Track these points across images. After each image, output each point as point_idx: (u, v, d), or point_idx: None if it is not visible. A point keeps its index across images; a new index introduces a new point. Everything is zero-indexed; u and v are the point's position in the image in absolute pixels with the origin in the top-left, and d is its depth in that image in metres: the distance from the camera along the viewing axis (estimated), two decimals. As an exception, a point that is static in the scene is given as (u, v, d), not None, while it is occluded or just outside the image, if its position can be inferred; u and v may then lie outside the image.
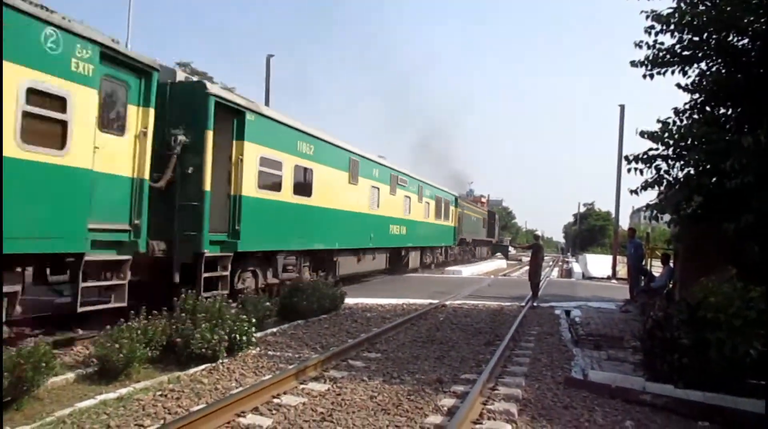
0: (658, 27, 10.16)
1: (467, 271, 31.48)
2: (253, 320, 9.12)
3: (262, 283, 13.29)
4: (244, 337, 8.68)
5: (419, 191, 26.96)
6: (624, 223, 54.60)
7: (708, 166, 9.53)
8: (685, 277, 11.13)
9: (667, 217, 11.59)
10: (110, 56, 8.62)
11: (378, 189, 21.17)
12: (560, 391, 7.60)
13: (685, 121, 10.62)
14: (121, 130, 9.09)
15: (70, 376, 7.04)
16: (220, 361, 8.18)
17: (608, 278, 29.64)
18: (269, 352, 9.07)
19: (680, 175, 10.30)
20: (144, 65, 9.37)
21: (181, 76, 11.43)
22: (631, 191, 10.37)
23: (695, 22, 9.72)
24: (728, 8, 9.28)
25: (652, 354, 8.00)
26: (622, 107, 29.89)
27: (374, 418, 6.19)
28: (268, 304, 11.04)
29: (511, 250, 67.25)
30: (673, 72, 10.51)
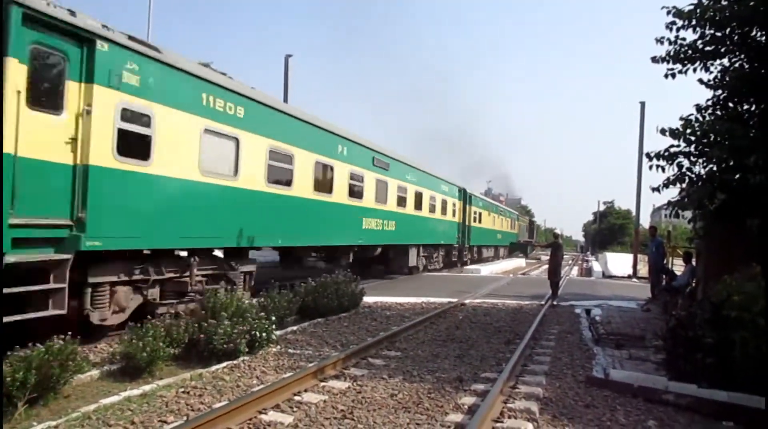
0: (679, 23, 10.06)
1: (486, 269, 31.35)
2: (273, 318, 9.20)
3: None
4: (265, 335, 8.75)
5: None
6: (645, 222, 54.14)
7: (731, 163, 9.41)
8: (708, 275, 10.99)
9: (688, 214, 11.46)
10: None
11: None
12: (581, 390, 7.56)
13: (707, 118, 10.50)
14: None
15: (95, 373, 7.14)
16: (242, 358, 8.26)
17: (629, 277, 29.38)
18: (290, 350, 9.13)
19: (703, 172, 10.19)
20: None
21: None
22: (653, 189, 10.28)
23: (717, 18, 9.61)
24: (751, 3, 9.16)
25: (674, 353, 7.91)
26: (643, 104, 29.57)
27: (395, 416, 6.20)
28: (287, 303, 11.10)
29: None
30: (695, 69, 10.40)
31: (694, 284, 13.72)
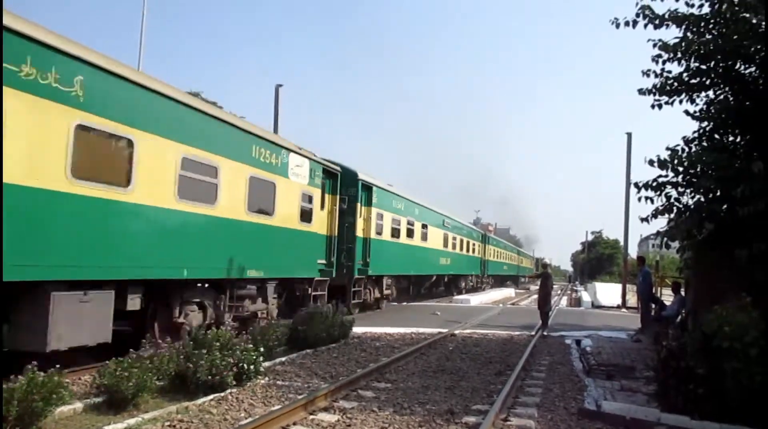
0: (665, 56, 10.22)
1: (475, 299, 31.26)
2: (261, 349, 9.06)
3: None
4: (252, 367, 8.60)
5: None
6: (632, 252, 54.30)
7: (719, 193, 9.49)
8: (698, 305, 10.99)
9: (677, 244, 11.50)
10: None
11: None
12: (573, 422, 7.48)
13: (694, 149, 10.61)
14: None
15: (79, 405, 6.96)
16: (229, 390, 8.10)
17: (618, 307, 29.35)
18: (278, 382, 8.99)
19: (691, 202, 10.25)
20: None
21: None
22: (642, 219, 10.32)
23: (702, 51, 9.78)
24: (735, 36, 9.35)
25: (666, 384, 7.86)
26: (629, 135, 29.89)
27: (385, 450, 6.09)
28: (276, 333, 10.97)
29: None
30: (681, 101, 10.55)
31: (684, 314, 13.72)
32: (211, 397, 7.80)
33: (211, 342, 8.53)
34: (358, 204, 18.67)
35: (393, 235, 22.33)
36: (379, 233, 20.58)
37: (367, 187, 19.52)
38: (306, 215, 14.88)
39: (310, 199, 15.08)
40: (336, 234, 16.85)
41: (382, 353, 12.02)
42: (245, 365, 8.45)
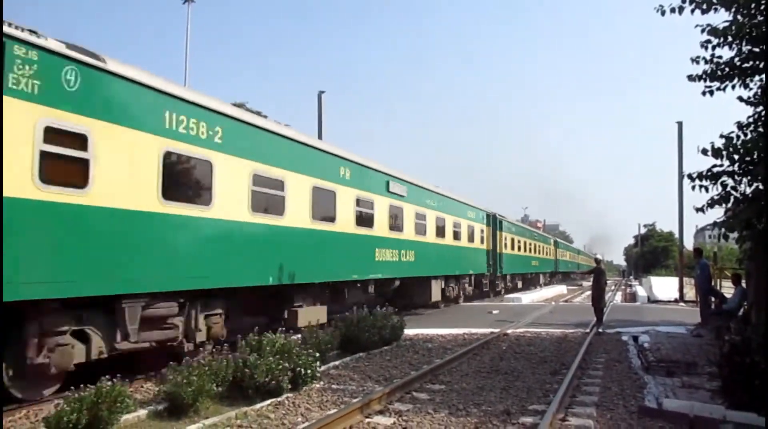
0: (714, 41, 9.90)
1: (527, 298, 30.89)
2: (317, 354, 9.18)
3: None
4: (309, 371, 8.72)
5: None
6: (688, 243, 52.67)
7: (778, 181, 9.13)
8: (760, 297, 10.61)
9: (735, 235, 11.11)
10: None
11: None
12: (634, 421, 7.31)
13: (749, 135, 10.23)
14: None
15: (142, 413, 7.21)
16: (286, 395, 8.24)
17: (675, 301, 28.52)
18: (333, 386, 9.08)
19: (748, 190, 9.88)
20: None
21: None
22: (697, 209, 9.99)
23: (754, 33, 9.44)
24: (789, 16, 9.00)
25: (730, 380, 7.61)
26: (680, 124, 29.08)
27: (442, 452, 6.08)
28: (328, 337, 11.10)
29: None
30: (733, 86, 10.19)
31: (745, 307, 13.25)
32: (268, 402, 7.95)
33: (265, 347, 8.70)
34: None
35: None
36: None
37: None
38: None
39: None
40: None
41: (435, 355, 12.00)
42: (301, 369, 8.58)
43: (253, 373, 8.07)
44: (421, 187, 20.57)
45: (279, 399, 8.09)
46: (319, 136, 24.84)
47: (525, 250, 39.88)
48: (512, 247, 35.07)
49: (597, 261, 18.58)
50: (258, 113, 11.99)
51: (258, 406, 7.77)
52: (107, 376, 6.66)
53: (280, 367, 8.23)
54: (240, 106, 11.95)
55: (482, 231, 28.94)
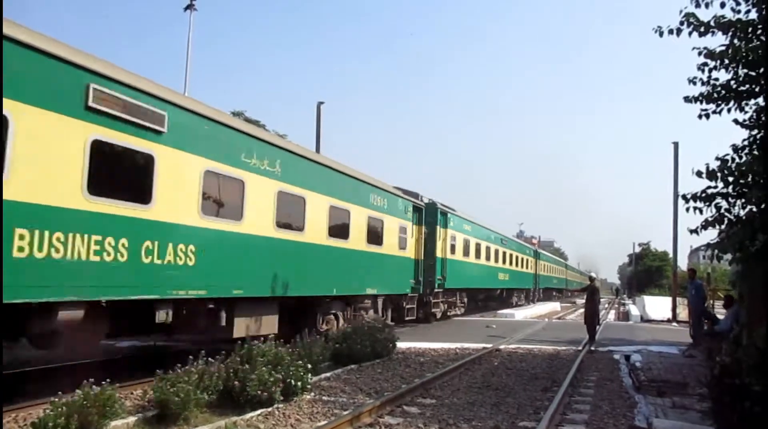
0: (711, 64, 10.01)
1: (520, 314, 30.89)
2: (309, 366, 9.15)
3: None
4: (299, 383, 8.69)
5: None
6: (682, 264, 52.79)
7: (771, 204, 9.18)
8: (753, 319, 10.64)
9: (728, 256, 11.16)
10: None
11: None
12: (624, 440, 7.31)
13: (744, 158, 10.32)
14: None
15: (131, 420, 7.16)
16: (276, 405, 8.20)
17: (668, 321, 28.55)
18: (324, 398, 9.05)
19: (742, 213, 9.95)
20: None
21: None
22: (691, 231, 10.04)
23: (750, 57, 9.54)
24: (785, 41, 9.10)
25: (720, 402, 7.61)
26: (676, 145, 29.25)
27: (432, 467, 6.07)
28: (320, 349, 11.05)
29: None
30: (729, 110, 10.29)
31: (737, 328, 13.27)
32: (258, 412, 7.92)
33: (256, 357, 8.67)
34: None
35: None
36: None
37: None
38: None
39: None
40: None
41: (427, 369, 11.98)
42: (293, 381, 8.55)
43: (245, 384, 8.04)
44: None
45: (269, 409, 8.06)
46: (317, 148, 24.86)
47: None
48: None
49: (591, 279, 18.60)
50: (256, 123, 11.98)
51: (248, 416, 7.74)
52: (92, 380, 6.62)
53: (272, 378, 8.19)
54: (238, 114, 11.88)
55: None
